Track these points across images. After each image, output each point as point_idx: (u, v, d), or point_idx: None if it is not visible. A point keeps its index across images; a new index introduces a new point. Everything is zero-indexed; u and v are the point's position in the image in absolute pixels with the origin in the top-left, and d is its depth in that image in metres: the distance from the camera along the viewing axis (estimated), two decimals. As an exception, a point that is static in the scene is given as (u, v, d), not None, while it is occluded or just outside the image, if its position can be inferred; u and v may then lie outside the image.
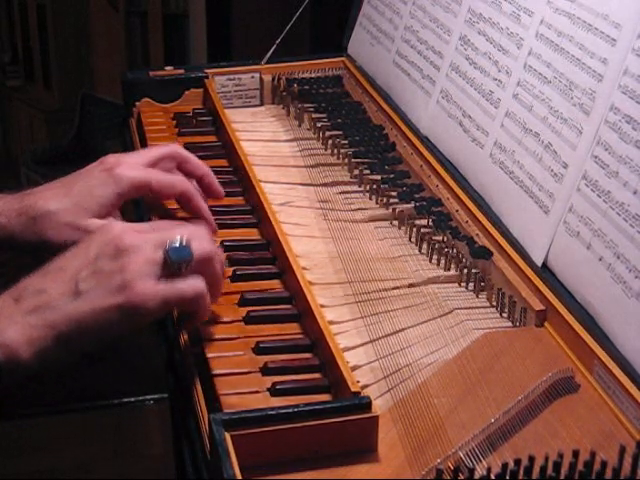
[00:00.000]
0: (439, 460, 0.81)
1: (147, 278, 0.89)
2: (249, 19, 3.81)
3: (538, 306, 1.01)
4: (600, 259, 0.96)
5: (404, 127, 1.40)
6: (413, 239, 1.19)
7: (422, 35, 1.46)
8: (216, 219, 1.17)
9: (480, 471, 0.79)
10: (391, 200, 1.26)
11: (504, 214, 1.15)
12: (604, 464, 0.76)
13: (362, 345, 0.98)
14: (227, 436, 0.79)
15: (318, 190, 1.31)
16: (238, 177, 1.31)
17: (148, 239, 0.92)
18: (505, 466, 0.76)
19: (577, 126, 1.05)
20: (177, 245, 0.91)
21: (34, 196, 1.07)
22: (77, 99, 4.52)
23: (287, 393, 0.89)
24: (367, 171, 1.34)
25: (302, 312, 1.01)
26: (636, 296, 0.90)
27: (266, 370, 0.92)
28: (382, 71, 1.56)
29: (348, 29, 1.71)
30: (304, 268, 1.08)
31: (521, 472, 0.76)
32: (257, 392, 0.90)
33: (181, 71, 1.59)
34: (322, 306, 1.01)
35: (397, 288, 1.09)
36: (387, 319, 1.03)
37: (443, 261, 1.15)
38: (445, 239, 1.17)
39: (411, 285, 1.10)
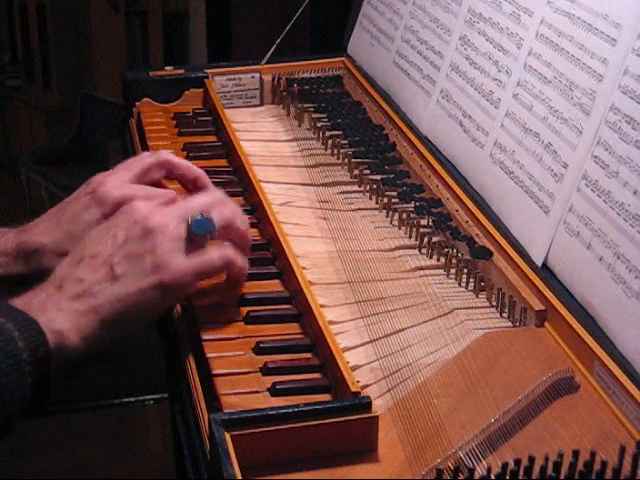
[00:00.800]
0: (439, 460, 0.81)
1: (176, 255, 0.94)
2: (249, 19, 3.81)
3: (538, 306, 1.01)
4: (600, 259, 0.96)
5: (404, 127, 1.40)
6: (413, 239, 1.19)
7: (422, 35, 1.46)
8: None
9: (480, 471, 0.79)
10: (392, 200, 1.27)
11: (504, 214, 1.15)
12: (604, 464, 0.76)
13: (362, 345, 0.98)
14: (227, 436, 0.79)
15: (318, 190, 1.31)
16: (238, 177, 1.31)
17: (171, 216, 0.97)
18: (505, 466, 0.76)
19: (577, 126, 1.05)
20: (198, 218, 0.97)
21: (29, 233, 1.09)
22: (77, 99, 4.53)
23: (287, 393, 0.89)
24: (367, 171, 1.34)
25: (302, 312, 1.01)
26: (636, 296, 0.90)
27: (266, 370, 0.92)
28: (382, 71, 1.56)
29: (348, 29, 1.71)
30: (304, 268, 1.08)
31: (521, 472, 0.76)
32: (257, 392, 0.90)
33: (181, 71, 1.60)
34: (322, 306, 1.01)
35: (397, 288, 1.09)
36: (387, 319, 1.03)
37: (443, 261, 1.15)
38: (445, 239, 1.17)
39: (411, 285, 1.10)
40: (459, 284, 1.11)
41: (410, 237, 1.20)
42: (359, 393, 0.86)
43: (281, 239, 1.10)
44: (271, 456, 0.81)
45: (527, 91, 1.16)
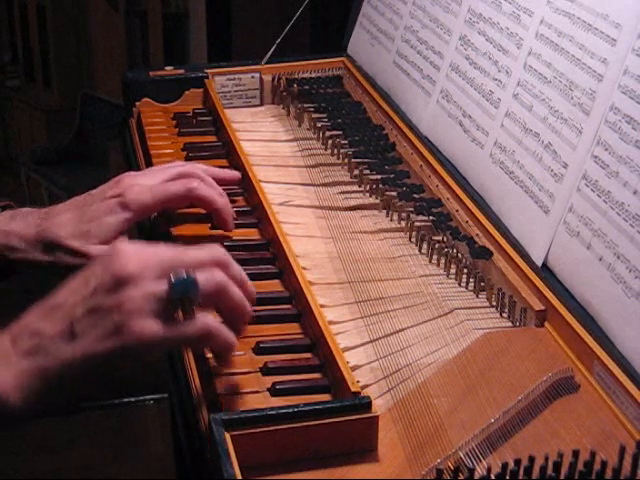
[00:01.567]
0: (439, 460, 0.81)
1: (146, 317, 0.82)
2: (249, 19, 3.81)
3: (538, 306, 1.01)
4: (600, 259, 0.96)
5: (404, 127, 1.40)
6: (413, 239, 1.19)
7: (422, 35, 1.46)
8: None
9: (480, 471, 0.79)
10: (392, 200, 1.26)
11: (504, 214, 1.15)
12: (604, 464, 0.76)
13: (362, 345, 0.98)
14: (227, 436, 0.79)
15: (318, 190, 1.31)
16: (238, 177, 1.31)
17: (151, 268, 0.84)
18: (505, 466, 0.76)
19: (577, 126, 1.05)
20: (182, 278, 0.84)
21: (50, 221, 1.10)
22: (77, 99, 4.53)
23: (287, 393, 0.89)
24: (367, 171, 1.34)
25: (302, 312, 1.01)
26: (636, 296, 0.90)
27: (266, 370, 0.92)
28: (382, 71, 1.56)
29: (348, 29, 1.71)
30: (304, 268, 1.08)
31: (521, 472, 0.76)
32: (257, 392, 0.90)
33: (181, 71, 1.60)
34: (322, 306, 1.01)
35: (397, 288, 1.09)
36: (387, 319, 1.03)
37: (443, 261, 1.15)
38: (445, 239, 1.17)
39: (411, 285, 1.10)
40: (459, 284, 1.11)
41: (410, 237, 1.20)
42: (359, 393, 0.86)
43: (281, 239, 1.10)
44: (271, 456, 0.81)
45: (527, 91, 1.16)
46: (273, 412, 0.82)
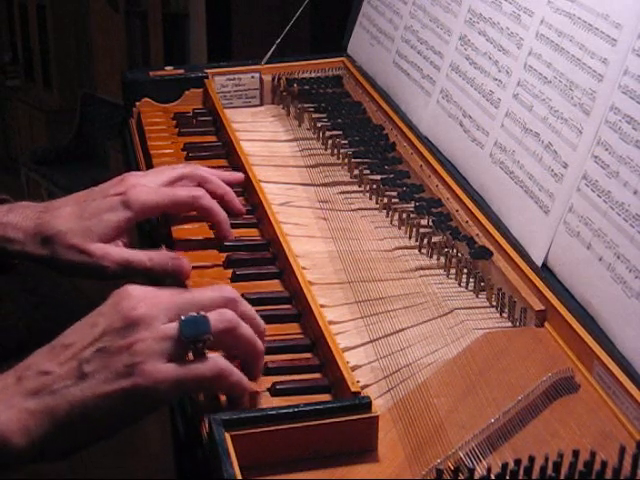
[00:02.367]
0: (439, 460, 0.81)
1: (157, 358, 0.81)
2: (249, 19, 3.81)
3: (538, 306, 1.01)
4: (600, 259, 0.96)
5: (404, 127, 1.40)
6: (413, 239, 1.19)
7: (422, 35, 1.46)
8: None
9: (480, 471, 0.79)
10: (392, 200, 1.27)
11: (504, 214, 1.15)
12: (604, 464, 0.76)
13: (362, 345, 0.98)
14: (227, 436, 0.79)
15: (318, 190, 1.31)
16: (238, 177, 1.30)
17: (161, 310, 0.83)
18: (505, 466, 0.76)
19: (577, 126, 1.05)
20: (192, 318, 0.83)
21: (50, 214, 1.09)
22: (77, 99, 4.53)
23: (287, 393, 0.89)
24: (367, 171, 1.34)
25: (302, 312, 1.01)
26: (636, 296, 0.90)
27: (266, 370, 0.92)
28: (382, 71, 1.56)
29: (348, 29, 1.71)
30: (304, 268, 1.08)
31: (521, 472, 0.76)
32: (257, 392, 0.90)
33: (181, 71, 1.60)
34: (322, 306, 1.01)
35: (397, 288, 1.09)
36: (387, 319, 1.03)
37: (443, 261, 1.15)
38: (445, 239, 1.17)
39: (411, 285, 1.10)
40: (459, 284, 1.11)
41: (410, 237, 1.20)
42: (359, 393, 0.85)
43: (281, 239, 1.10)
44: (271, 456, 0.81)
45: (527, 91, 1.16)
46: (273, 412, 0.82)
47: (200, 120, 1.49)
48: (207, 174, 1.17)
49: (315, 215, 1.24)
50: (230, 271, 1.08)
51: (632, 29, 1.00)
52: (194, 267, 1.08)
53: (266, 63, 1.63)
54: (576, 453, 0.77)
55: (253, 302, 1.03)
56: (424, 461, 0.82)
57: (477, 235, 1.15)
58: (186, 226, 1.17)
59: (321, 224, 1.22)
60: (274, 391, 0.89)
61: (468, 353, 0.97)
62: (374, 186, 1.30)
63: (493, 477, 0.76)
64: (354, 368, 0.94)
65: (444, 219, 1.20)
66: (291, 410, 0.82)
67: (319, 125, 1.47)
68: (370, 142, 1.41)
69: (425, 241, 1.18)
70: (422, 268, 1.14)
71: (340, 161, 1.39)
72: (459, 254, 1.14)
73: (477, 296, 1.09)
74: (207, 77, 1.57)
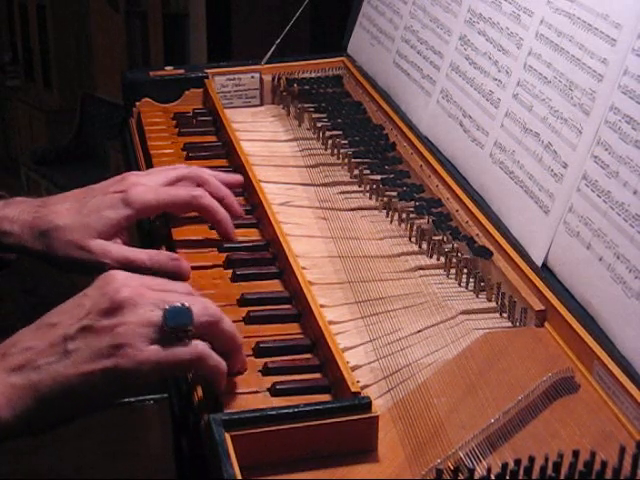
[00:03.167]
0: (439, 460, 0.81)
1: (140, 341, 0.83)
2: (249, 19, 3.81)
3: (538, 306, 1.01)
4: (600, 259, 0.96)
5: (404, 127, 1.40)
6: (413, 239, 1.19)
7: (422, 35, 1.46)
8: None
9: (480, 471, 0.79)
10: (392, 200, 1.27)
11: (504, 214, 1.15)
12: (604, 464, 0.76)
13: (362, 345, 0.98)
14: (227, 436, 0.79)
15: (318, 190, 1.31)
16: (238, 177, 1.30)
17: (147, 297, 0.86)
18: (505, 466, 0.76)
19: (577, 126, 1.05)
20: (177, 308, 0.85)
21: (47, 209, 1.09)
22: (77, 99, 4.53)
23: (287, 393, 0.89)
24: (367, 171, 1.34)
25: (302, 312, 1.01)
26: (636, 296, 0.90)
27: (266, 370, 0.92)
28: (382, 71, 1.56)
29: (348, 29, 1.71)
30: (304, 268, 1.08)
31: (521, 472, 0.76)
32: (257, 392, 0.90)
33: (181, 71, 1.60)
34: (322, 306, 1.01)
35: (397, 288, 1.09)
36: (387, 319, 1.03)
37: (443, 261, 1.15)
38: (445, 239, 1.17)
39: (411, 285, 1.10)
40: (459, 284, 1.11)
41: (410, 237, 1.20)
42: (359, 393, 0.85)
43: (281, 239, 1.10)
44: (271, 456, 0.81)
45: (527, 91, 1.16)
46: (273, 412, 0.82)
47: (200, 120, 1.49)
48: (207, 175, 1.17)
49: (315, 215, 1.24)
50: (230, 271, 1.08)
51: (632, 29, 1.00)
52: (194, 267, 1.08)
53: (266, 63, 1.63)
54: (576, 453, 0.77)
55: (253, 302, 1.03)
56: (424, 461, 0.82)
57: (477, 235, 1.15)
58: (186, 226, 1.17)
59: (321, 224, 1.22)
60: (274, 391, 0.89)
61: (468, 353, 0.97)
62: (374, 186, 1.30)
63: (493, 477, 0.76)
64: (354, 368, 0.94)
65: (444, 219, 1.20)
66: (291, 410, 0.82)
67: (319, 125, 1.47)
68: (370, 142, 1.41)
69: (425, 241, 1.18)
70: (422, 268, 1.14)
71: (340, 161, 1.39)
72: (459, 254, 1.14)
73: (477, 296, 1.09)
74: (207, 77, 1.57)
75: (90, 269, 1.07)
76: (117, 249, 1.07)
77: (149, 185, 1.12)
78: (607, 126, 1.00)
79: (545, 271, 1.05)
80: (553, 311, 0.99)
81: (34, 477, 2.59)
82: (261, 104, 1.63)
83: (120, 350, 0.82)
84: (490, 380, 0.92)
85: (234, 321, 0.99)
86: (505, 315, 1.06)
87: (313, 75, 1.64)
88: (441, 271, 1.14)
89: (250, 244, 1.15)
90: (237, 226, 1.18)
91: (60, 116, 4.71)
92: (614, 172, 0.97)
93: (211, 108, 1.51)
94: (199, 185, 1.16)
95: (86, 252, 1.06)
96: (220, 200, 1.16)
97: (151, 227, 1.21)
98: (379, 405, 0.88)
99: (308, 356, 0.96)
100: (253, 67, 1.63)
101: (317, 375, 0.93)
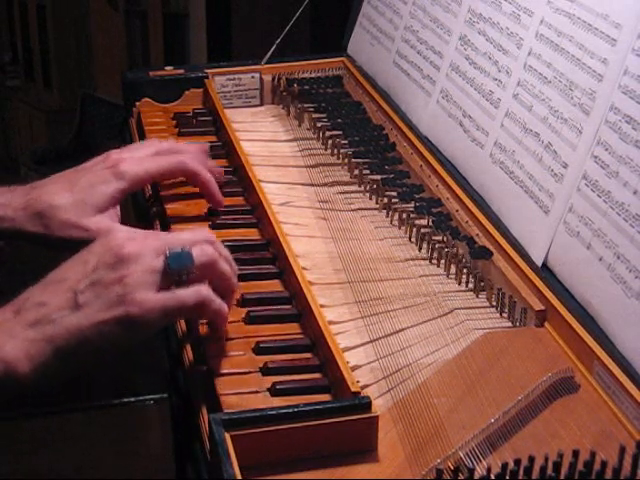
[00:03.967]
0: (439, 460, 0.81)
1: (146, 288, 0.88)
2: (249, 19, 3.81)
3: (538, 306, 1.01)
4: (600, 259, 0.96)
5: (404, 127, 1.40)
6: (413, 239, 1.19)
7: (422, 35, 1.46)
8: (216, 219, 1.18)
9: (480, 471, 0.79)
10: (392, 200, 1.27)
11: (504, 214, 1.15)
12: (604, 464, 0.76)
13: (362, 345, 0.98)
14: (227, 436, 0.79)
15: (318, 190, 1.31)
16: (238, 177, 1.31)
17: (148, 247, 0.90)
18: (505, 466, 0.76)
19: (577, 126, 1.05)
20: (177, 252, 0.90)
21: (39, 190, 1.10)
22: (77, 99, 4.53)
23: (287, 393, 0.89)
24: (367, 171, 1.34)
25: (302, 312, 1.01)
26: (636, 296, 0.90)
27: (266, 370, 0.92)
28: (382, 71, 1.56)
29: (348, 29, 1.71)
30: (304, 268, 1.08)
31: (521, 472, 0.76)
32: (257, 392, 0.90)
33: (181, 71, 1.60)
34: (322, 306, 1.01)
35: (397, 288, 1.09)
36: (387, 319, 1.03)
37: (443, 261, 1.15)
38: (445, 239, 1.17)
39: (411, 285, 1.10)
40: (459, 284, 1.11)
41: (410, 237, 1.20)
42: (359, 393, 0.86)
43: (281, 239, 1.10)
44: (271, 456, 0.81)
45: (527, 91, 1.16)
46: (273, 412, 0.82)
47: (200, 120, 1.49)
48: (182, 146, 1.22)
49: (315, 215, 1.24)
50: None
51: (632, 29, 1.00)
52: None
53: (266, 63, 1.63)
54: (576, 453, 0.77)
55: (253, 302, 1.03)
56: (424, 461, 0.82)
57: (477, 235, 1.15)
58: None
59: (321, 224, 1.22)
60: (274, 391, 0.89)
61: (468, 353, 0.97)
62: (374, 186, 1.30)
63: (493, 477, 0.76)
64: (354, 368, 0.94)
65: (444, 219, 1.20)
66: (291, 410, 0.82)
67: (319, 125, 1.47)
68: (370, 142, 1.41)
69: (425, 241, 1.18)
70: (422, 268, 1.14)
71: (340, 161, 1.39)
72: (459, 254, 1.14)
73: (477, 296, 1.09)
74: (207, 77, 1.57)
75: None
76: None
77: (136, 157, 1.15)
78: (607, 126, 1.00)
79: (545, 271, 1.05)
80: (553, 311, 0.99)
81: (34, 477, 2.59)
82: (261, 104, 1.63)
83: (128, 299, 0.87)
84: (490, 380, 0.92)
85: (234, 321, 1.00)
86: (505, 315, 1.06)
87: (313, 75, 1.64)
88: (441, 271, 1.14)
89: (250, 244, 1.15)
90: (237, 226, 1.18)
91: (60, 116, 4.71)
92: (614, 172, 0.97)
93: (211, 108, 1.51)
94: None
95: (83, 231, 1.07)
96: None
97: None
98: (379, 405, 0.88)
99: (308, 356, 0.96)
100: (253, 67, 1.63)
101: (317, 375, 0.93)
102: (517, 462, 0.76)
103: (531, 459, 0.76)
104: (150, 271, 0.89)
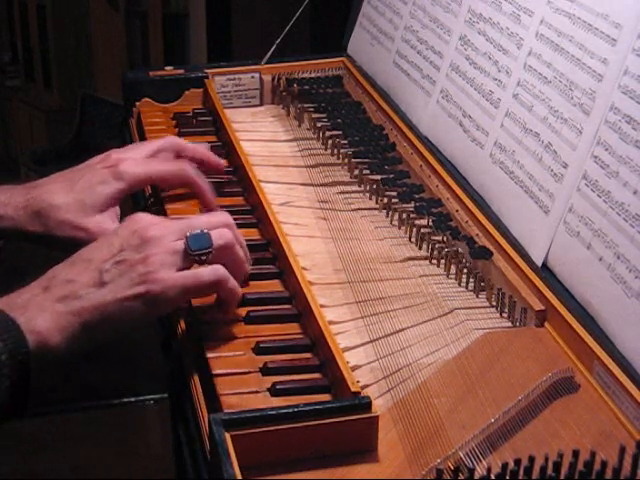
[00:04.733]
0: (439, 460, 0.81)
1: (168, 268, 0.94)
2: (249, 19, 3.81)
3: (538, 306, 1.01)
4: (600, 259, 0.96)
5: (404, 127, 1.40)
6: (413, 239, 1.19)
7: (422, 35, 1.46)
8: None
9: (480, 471, 0.79)
10: (392, 200, 1.26)
11: (504, 214, 1.15)
12: (604, 464, 0.76)
13: (362, 345, 0.98)
14: (227, 436, 0.79)
15: (318, 190, 1.31)
16: (238, 177, 1.31)
17: (170, 230, 0.96)
18: (505, 466, 0.76)
19: (577, 126, 1.05)
20: (197, 235, 0.96)
21: (39, 189, 1.11)
22: (77, 99, 4.53)
23: (287, 393, 0.89)
24: (367, 171, 1.34)
25: (302, 312, 1.01)
26: (636, 296, 0.90)
27: (266, 370, 0.92)
28: (382, 71, 1.56)
29: (348, 29, 1.71)
30: (304, 268, 1.08)
31: (521, 472, 0.76)
32: (257, 392, 0.90)
33: (181, 71, 1.59)
34: (322, 306, 1.01)
35: (397, 288, 1.09)
36: (387, 319, 1.03)
37: (443, 261, 1.15)
38: (445, 239, 1.17)
39: (411, 285, 1.10)
40: (459, 284, 1.11)
41: (410, 237, 1.20)
42: (359, 393, 0.86)
43: (281, 239, 1.10)
44: (271, 456, 0.81)
45: (527, 91, 1.16)
46: (273, 412, 0.82)
47: (200, 120, 1.49)
48: (183, 143, 1.23)
49: (315, 215, 1.24)
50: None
51: (632, 29, 1.00)
52: None
53: (266, 63, 1.63)
54: (576, 453, 0.77)
55: (253, 302, 1.03)
56: (424, 461, 0.82)
57: (477, 235, 1.15)
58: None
59: (321, 224, 1.22)
60: (274, 391, 0.89)
61: (468, 353, 0.97)
62: (374, 186, 1.30)
63: (493, 477, 0.76)
64: (354, 368, 0.94)
65: (444, 219, 1.20)
66: (291, 410, 0.82)
67: (319, 125, 1.47)
68: (370, 142, 1.41)
69: (425, 241, 1.18)
70: (422, 268, 1.14)
71: (340, 161, 1.39)
72: (459, 254, 1.14)
73: (477, 296, 1.09)
74: (207, 77, 1.57)
75: None
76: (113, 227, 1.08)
77: (137, 158, 1.15)
78: (607, 126, 1.00)
79: (545, 271, 1.05)
80: (553, 311, 0.99)
81: (34, 477, 2.59)
82: (261, 104, 1.63)
83: (150, 277, 0.92)
84: (490, 380, 0.92)
85: (234, 321, 1.00)
86: (505, 315, 1.06)
87: (313, 75, 1.64)
88: (441, 271, 1.14)
89: (250, 244, 1.15)
90: (237, 226, 1.18)
91: (60, 116, 4.71)
92: (614, 172, 0.97)
93: (211, 108, 1.51)
94: (178, 153, 1.21)
95: (82, 231, 1.08)
96: (200, 162, 1.22)
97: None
98: (379, 405, 0.88)
99: (308, 356, 0.96)
100: (253, 67, 1.63)
101: (317, 375, 0.93)
102: (517, 462, 0.76)
103: (531, 459, 0.76)
104: (172, 252, 0.94)
